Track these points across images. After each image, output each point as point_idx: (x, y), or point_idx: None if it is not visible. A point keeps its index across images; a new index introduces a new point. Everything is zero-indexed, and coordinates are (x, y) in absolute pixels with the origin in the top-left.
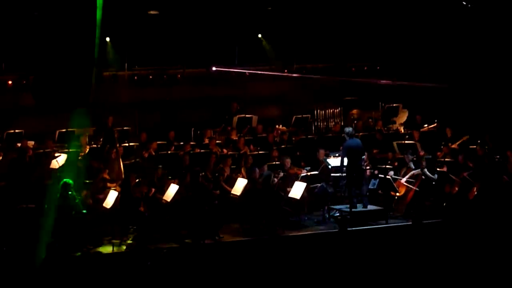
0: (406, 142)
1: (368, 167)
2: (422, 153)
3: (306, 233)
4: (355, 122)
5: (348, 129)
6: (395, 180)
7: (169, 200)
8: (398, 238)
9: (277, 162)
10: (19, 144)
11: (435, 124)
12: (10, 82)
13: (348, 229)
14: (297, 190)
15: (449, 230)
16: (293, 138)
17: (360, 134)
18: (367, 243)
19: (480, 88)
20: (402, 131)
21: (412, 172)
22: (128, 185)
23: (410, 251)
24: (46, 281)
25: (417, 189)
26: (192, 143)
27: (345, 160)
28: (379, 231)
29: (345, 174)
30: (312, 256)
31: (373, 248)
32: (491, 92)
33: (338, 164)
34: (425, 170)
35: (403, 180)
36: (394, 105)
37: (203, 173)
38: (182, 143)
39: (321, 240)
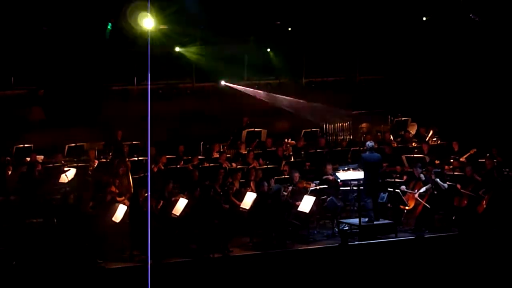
0: (415, 155)
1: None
2: (430, 167)
3: (315, 247)
4: (364, 135)
5: (370, 143)
6: (404, 193)
7: (178, 214)
8: (407, 251)
9: (286, 176)
10: (28, 159)
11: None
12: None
13: (349, 243)
14: (306, 204)
15: (461, 244)
16: (302, 152)
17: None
18: (374, 257)
19: (487, 101)
20: (413, 144)
21: (424, 188)
22: (137, 199)
23: (419, 265)
24: None
25: (427, 205)
26: (200, 157)
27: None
28: (387, 244)
29: (355, 188)
30: (321, 270)
31: (381, 262)
32: (499, 105)
33: (348, 177)
34: (437, 179)
35: (416, 194)
36: (403, 118)
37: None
38: (191, 157)
39: (330, 254)
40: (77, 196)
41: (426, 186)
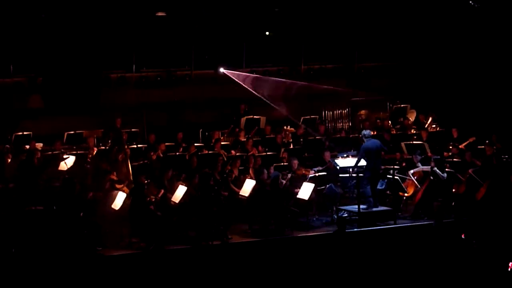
0: (414, 142)
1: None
2: (430, 154)
3: (315, 234)
4: (363, 123)
5: (366, 132)
6: (403, 180)
7: (177, 201)
8: (407, 238)
9: (285, 163)
10: (27, 146)
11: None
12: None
13: (349, 230)
14: (305, 191)
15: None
16: (301, 139)
17: None
18: (374, 244)
19: (486, 88)
20: (412, 131)
21: (421, 168)
22: (141, 188)
23: (418, 252)
24: (53, 283)
25: (418, 185)
26: (197, 144)
27: (362, 161)
28: (386, 231)
29: (354, 175)
30: (320, 257)
31: (380, 249)
32: (498, 92)
33: (346, 164)
34: (435, 168)
35: (410, 171)
36: (402, 105)
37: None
38: (188, 145)
39: (329, 241)
40: (76, 184)
41: (424, 167)
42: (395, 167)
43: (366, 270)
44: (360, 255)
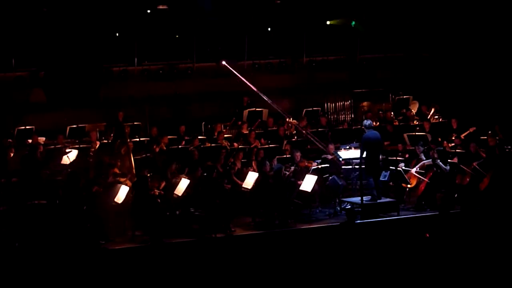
0: (417, 133)
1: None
2: (433, 145)
3: (318, 226)
4: (365, 114)
5: (367, 122)
6: (406, 171)
7: (180, 194)
8: (410, 230)
9: (288, 156)
10: (30, 140)
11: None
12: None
13: (356, 222)
14: (308, 183)
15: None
16: (304, 132)
17: None
18: (378, 236)
19: (489, 79)
20: (415, 122)
21: (423, 162)
22: (144, 181)
23: (421, 243)
24: (56, 277)
25: (428, 180)
26: (200, 137)
27: (364, 152)
28: (390, 223)
29: (357, 167)
30: (324, 249)
31: (384, 240)
32: (500, 83)
33: (349, 156)
34: (438, 161)
35: (413, 170)
36: (404, 96)
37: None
38: (192, 137)
39: (333, 233)
40: (79, 177)
41: (426, 161)
42: (399, 158)
43: (370, 262)
44: (363, 246)
